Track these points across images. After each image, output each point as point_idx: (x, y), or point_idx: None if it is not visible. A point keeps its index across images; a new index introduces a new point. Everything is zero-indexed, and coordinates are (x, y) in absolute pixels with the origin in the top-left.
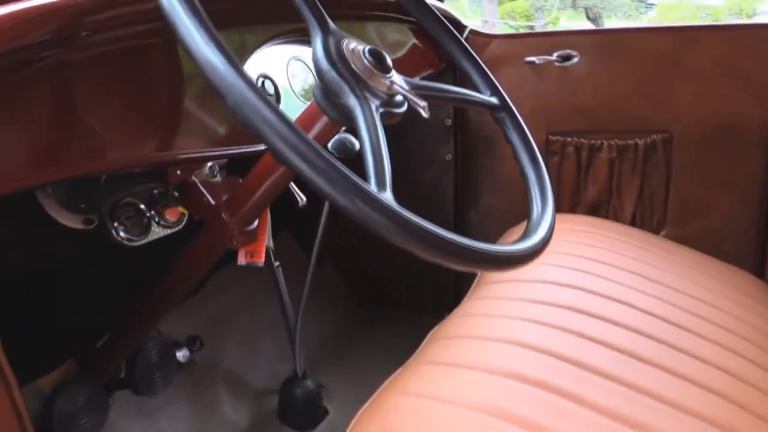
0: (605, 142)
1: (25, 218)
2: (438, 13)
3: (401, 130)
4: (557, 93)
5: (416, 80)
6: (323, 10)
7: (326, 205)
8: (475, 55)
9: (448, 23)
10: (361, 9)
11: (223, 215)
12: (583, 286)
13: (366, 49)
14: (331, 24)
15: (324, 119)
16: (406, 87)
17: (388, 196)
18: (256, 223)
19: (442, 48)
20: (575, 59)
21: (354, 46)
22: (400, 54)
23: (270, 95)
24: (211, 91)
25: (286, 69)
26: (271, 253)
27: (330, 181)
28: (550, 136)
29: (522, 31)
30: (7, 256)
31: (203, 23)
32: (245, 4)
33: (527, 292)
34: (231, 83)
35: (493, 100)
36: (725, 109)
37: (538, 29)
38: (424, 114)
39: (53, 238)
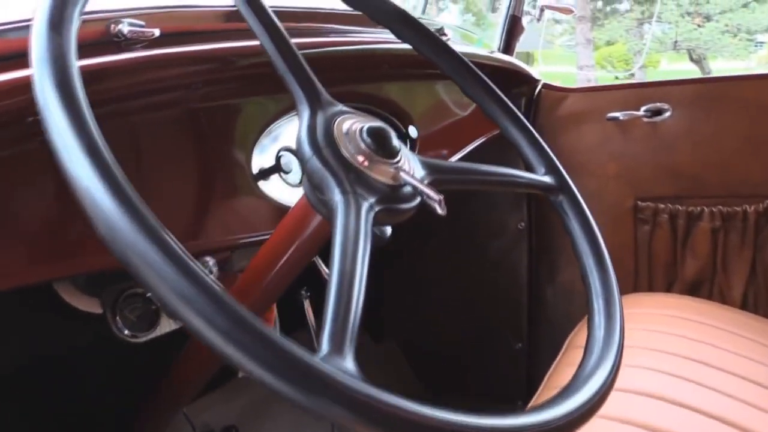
0: (706, 210)
1: (38, 305)
2: (475, 69)
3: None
4: (646, 152)
5: (442, 162)
6: (313, 78)
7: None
8: (523, 119)
9: (488, 81)
10: (403, 68)
11: None
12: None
13: (365, 128)
14: (325, 95)
15: (317, 217)
16: (422, 173)
17: (345, 366)
18: None
19: (483, 111)
20: (667, 113)
21: (351, 124)
22: (464, 114)
23: (286, 172)
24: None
25: None
26: (312, 333)
27: (241, 344)
28: (639, 202)
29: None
30: (16, 347)
31: (84, 130)
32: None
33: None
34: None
35: (548, 179)
36: None
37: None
38: (440, 211)
39: (68, 325)
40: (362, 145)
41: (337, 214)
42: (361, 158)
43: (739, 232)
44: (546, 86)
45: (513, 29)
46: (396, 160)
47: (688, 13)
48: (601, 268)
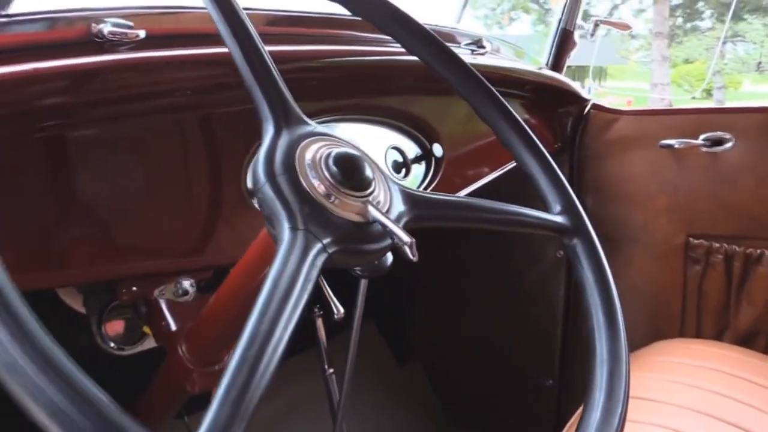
0: (767, 252)
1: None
2: (488, 85)
3: None
4: (703, 185)
5: (429, 195)
6: (283, 91)
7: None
8: (539, 145)
9: (502, 100)
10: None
11: (179, 349)
12: None
13: (332, 154)
14: (295, 112)
15: None
16: (402, 209)
17: None
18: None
19: (496, 134)
20: (729, 144)
21: (318, 148)
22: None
23: None
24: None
25: (384, 157)
26: (323, 353)
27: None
28: (691, 239)
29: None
30: None
31: None
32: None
33: None
34: None
35: (562, 219)
36: None
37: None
38: (411, 256)
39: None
40: (326, 174)
41: (277, 256)
42: (322, 189)
43: None
44: (595, 107)
45: (563, 44)
46: (366, 192)
47: None
48: (611, 331)
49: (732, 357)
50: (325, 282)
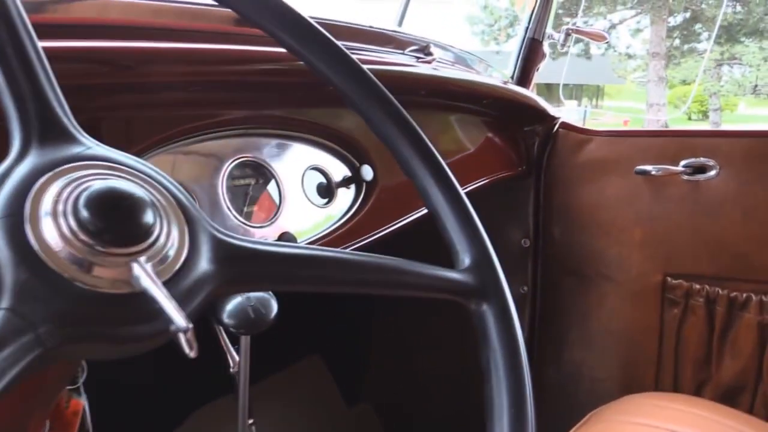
0: (754, 297)
1: None
2: (368, 75)
3: None
4: (683, 217)
5: (262, 245)
6: (47, 92)
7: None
8: (445, 169)
9: (397, 105)
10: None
11: None
12: None
13: (87, 192)
14: (62, 122)
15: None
16: (207, 269)
17: None
18: None
19: (392, 153)
20: (712, 172)
21: (74, 182)
22: (469, 151)
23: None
24: None
25: (301, 179)
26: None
27: None
28: (668, 279)
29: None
30: None
31: None
32: None
33: None
34: None
35: (466, 278)
36: None
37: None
38: (187, 350)
39: None
40: (71, 222)
41: None
42: (60, 245)
43: None
44: (565, 126)
45: (531, 55)
46: (139, 245)
47: None
48: (519, 426)
49: (711, 419)
50: (221, 329)
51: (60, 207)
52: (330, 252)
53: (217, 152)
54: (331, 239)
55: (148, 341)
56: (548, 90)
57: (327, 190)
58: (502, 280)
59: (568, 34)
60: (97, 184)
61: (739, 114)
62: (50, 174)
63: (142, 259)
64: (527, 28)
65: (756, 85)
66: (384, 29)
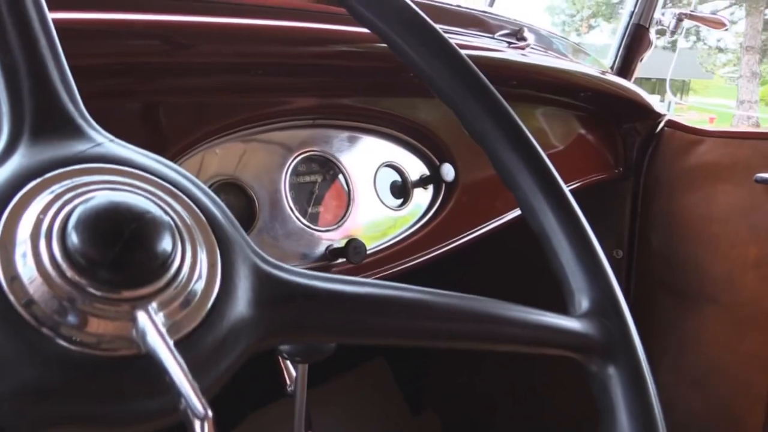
0: None
1: None
2: (486, 85)
3: None
4: None
5: (321, 278)
6: (52, 74)
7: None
8: (557, 179)
9: (511, 113)
10: None
11: None
12: None
13: (81, 211)
14: (67, 110)
15: None
16: (243, 314)
17: None
18: None
19: (495, 166)
20: None
21: (65, 195)
22: (558, 149)
23: None
24: None
25: (373, 178)
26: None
27: None
28: None
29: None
30: None
31: None
32: None
33: None
34: None
35: (587, 328)
36: None
37: None
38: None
39: None
40: (56, 252)
41: None
42: (37, 282)
43: None
44: (672, 124)
45: (635, 43)
46: (153, 285)
47: None
48: None
49: None
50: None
51: (43, 229)
52: (413, 293)
53: (281, 145)
54: (406, 246)
55: (154, 422)
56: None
57: (402, 191)
58: (633, 334)
59: (680, 20)
60: (97, 198)
61: None
62: (38, 181)
63: (153, 305)
64: (632, 12)
65: None
66: (473, 9)
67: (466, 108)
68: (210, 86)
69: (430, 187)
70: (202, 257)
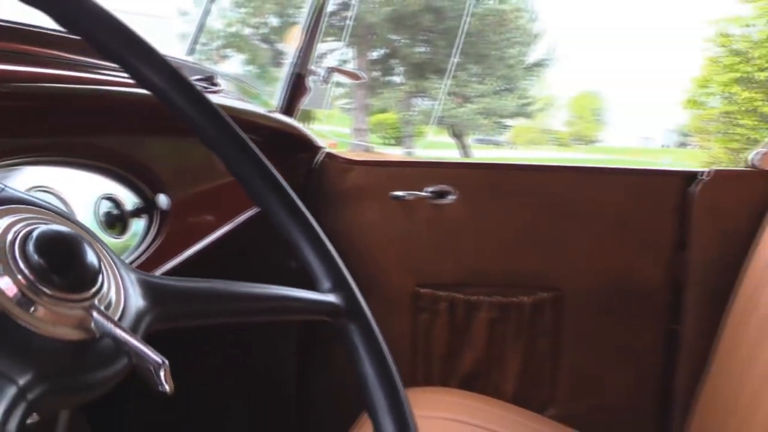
0: (485, 300)
1: None
2: (232, 126)
3: None
4: (429, 236)
5: (173, 283)
6: None
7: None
8: (301, 207)
9: (255, 149)
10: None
11: None
12: None
13: (35, 235)
14: None
15: None
16: (141, 305)
17: None
18: None
19: (244, 188)
20: (451, 197)
21: (11, 223)
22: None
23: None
24: None
25: (94, 209)
26: None
27: None
28: (419, 289)
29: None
30: None
31: None
32: None
33: None
34: None
35: (334, 299)
36: (621, 266)
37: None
38: (164, 386)
39: None
40: (22, 266)
41: None
42: (13, 291)
43: (515, 324)
44: (329, 155)
45: (296, 89)
46: (90, 291)
47: (452, 94)
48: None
49: (457, 403)
50: None
51: (8, 252)
52: (227, 285)
53: (12, 180)
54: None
55: (112, 380)
56: None
57: (119, 220)
58: (362, 301)
59: (330, 71)
60: (39, 228)
61: (427, 141)
62: None
63: (95, 301)
64: (293, 63)
65: (441, 117)
66: (174, 57)
67: (227, 153)
68: None
69: (146, 216)
70: (107, 270)
